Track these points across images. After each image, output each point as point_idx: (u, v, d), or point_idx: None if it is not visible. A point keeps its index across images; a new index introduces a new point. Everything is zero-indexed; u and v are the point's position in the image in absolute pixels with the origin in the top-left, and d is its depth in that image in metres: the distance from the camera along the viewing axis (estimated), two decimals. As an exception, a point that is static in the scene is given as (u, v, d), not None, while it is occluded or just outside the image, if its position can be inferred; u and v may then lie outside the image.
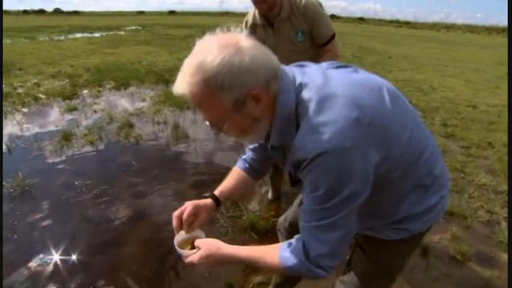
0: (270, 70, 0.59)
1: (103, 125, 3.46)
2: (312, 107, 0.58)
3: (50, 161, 2.70)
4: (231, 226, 1.91)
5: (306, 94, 0.60)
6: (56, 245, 1.74)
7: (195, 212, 0.84)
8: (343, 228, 0.62)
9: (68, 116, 3.77)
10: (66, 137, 3.09)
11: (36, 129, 3.37)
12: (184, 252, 0.77)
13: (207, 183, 2.38)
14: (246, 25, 1.58)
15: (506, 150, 3.12)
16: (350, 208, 0.60)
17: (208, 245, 0.73)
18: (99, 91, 4.84)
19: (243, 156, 0.99)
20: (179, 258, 0.78)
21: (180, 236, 0.83)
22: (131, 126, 3.42)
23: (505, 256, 1.77)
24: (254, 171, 0.97)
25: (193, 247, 0.78)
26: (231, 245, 0.73)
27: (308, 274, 0.65)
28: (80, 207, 2.07)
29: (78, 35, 14.90)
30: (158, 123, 3.56)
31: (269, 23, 1.48)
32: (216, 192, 0.92)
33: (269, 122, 0.64)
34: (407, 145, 0.63)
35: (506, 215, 2.11)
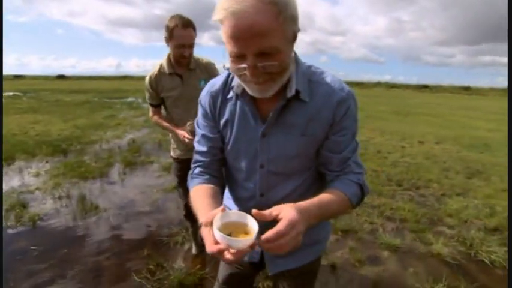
0: None
1: (-18, 211, 2.88)
2: (322, 69, 0.79)
3: None
4: (159, 289, 1.87)
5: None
6: None
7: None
8: None
9: None
10: None
11: None
12: (272, 235, 0.56)
13: (126, 252, 2.27)
14: (150, 79, 1.81)
15: (374, 174, 4.08)
16: None
17: (295, 215, 0.60)
18: (-30, 172, 4.01)
19: (195, 172, 0.89)
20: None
21: (216, 227, 0.58)
22: (24, 206, 2.96)
23: (384, 253, 2.31)
24: (216, 178, 0.89)
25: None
26: (302, 204, 0.65)
27: (366, 193, 0.81)
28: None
29: None
30: (60, 198, 3.20)
31: (177, 73, 1.78)
32: (208, 218, 0.63)
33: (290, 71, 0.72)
34: None
35: (381, 223, 2.76)
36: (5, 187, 3.48)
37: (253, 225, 0.60)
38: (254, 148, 0.81)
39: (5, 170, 4.14)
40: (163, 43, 1.73)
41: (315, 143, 0.80)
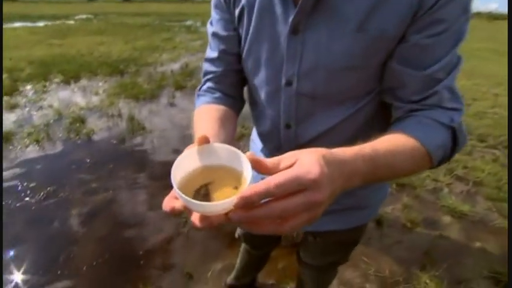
0: None
1: (50, 122, 3.19)
2: None
3: (-12, 164, 2.44)
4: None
5: None
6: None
7: None
8: None
9: (8, 115, 3.41)
10: (6, 137, 2.80)
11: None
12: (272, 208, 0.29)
13: (165, 175, 2.30)
14: None
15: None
16: None
17: (316, 170, 0.30)
18: (44, 86, 4.44)
19: (203, 88, 0.64)
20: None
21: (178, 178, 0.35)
22: (83, 121, 3.19)
23: (446, 218, 1.94)
24: (230, 97, 0.63)
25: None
26: (341, 152, 0.35)
27: (462, 144, 0.47)
28: (24, 212, 1.90)
29: (18, 25, 13.39)
30: (112, 116, 3.36)
31: None
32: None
33: None
34: None
35: (448, 182, 2.31)
36: (69, 103, 3.77)
37: (247, 176, 0.32)
38: (280, 52, 0.51)
39: (72, 87, 4.48)
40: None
41: (382, 47, 0.45)
